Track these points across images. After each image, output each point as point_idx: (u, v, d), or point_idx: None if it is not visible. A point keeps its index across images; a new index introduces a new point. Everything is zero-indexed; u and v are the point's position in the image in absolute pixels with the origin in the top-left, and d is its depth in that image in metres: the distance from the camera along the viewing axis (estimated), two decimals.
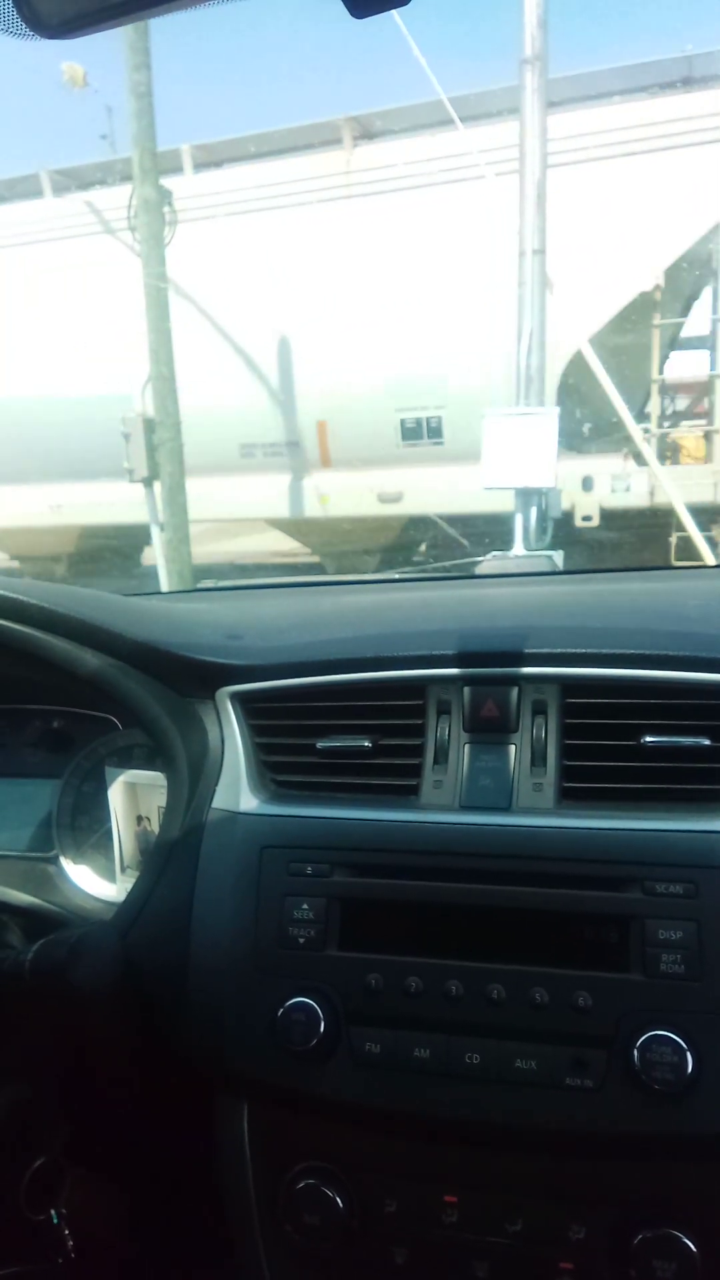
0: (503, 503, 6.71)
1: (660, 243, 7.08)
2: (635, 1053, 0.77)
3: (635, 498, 7.51)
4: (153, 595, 2.50)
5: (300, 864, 0.91)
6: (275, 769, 1.00)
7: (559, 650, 0.94)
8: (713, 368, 7.73)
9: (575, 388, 7.43)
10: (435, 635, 1.00)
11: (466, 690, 0.95)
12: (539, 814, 0.89)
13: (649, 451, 7.32)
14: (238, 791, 0.99)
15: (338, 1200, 0.89)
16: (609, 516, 7.62)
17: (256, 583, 6.61)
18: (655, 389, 7.63)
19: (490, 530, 7.52)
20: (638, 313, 7.33)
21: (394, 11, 0.48)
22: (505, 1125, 0.83)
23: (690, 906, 0.81)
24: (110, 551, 9.88)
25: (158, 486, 7.00)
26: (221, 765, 1.02)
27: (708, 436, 7.73)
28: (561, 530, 7.07)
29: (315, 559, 9.50)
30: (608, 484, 7.57)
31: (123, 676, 1.06)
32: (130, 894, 1.01)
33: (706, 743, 0.87)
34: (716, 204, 6.92)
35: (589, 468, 7.56)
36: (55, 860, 1.24)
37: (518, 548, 6.32)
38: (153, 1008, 0.95)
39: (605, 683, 0.92)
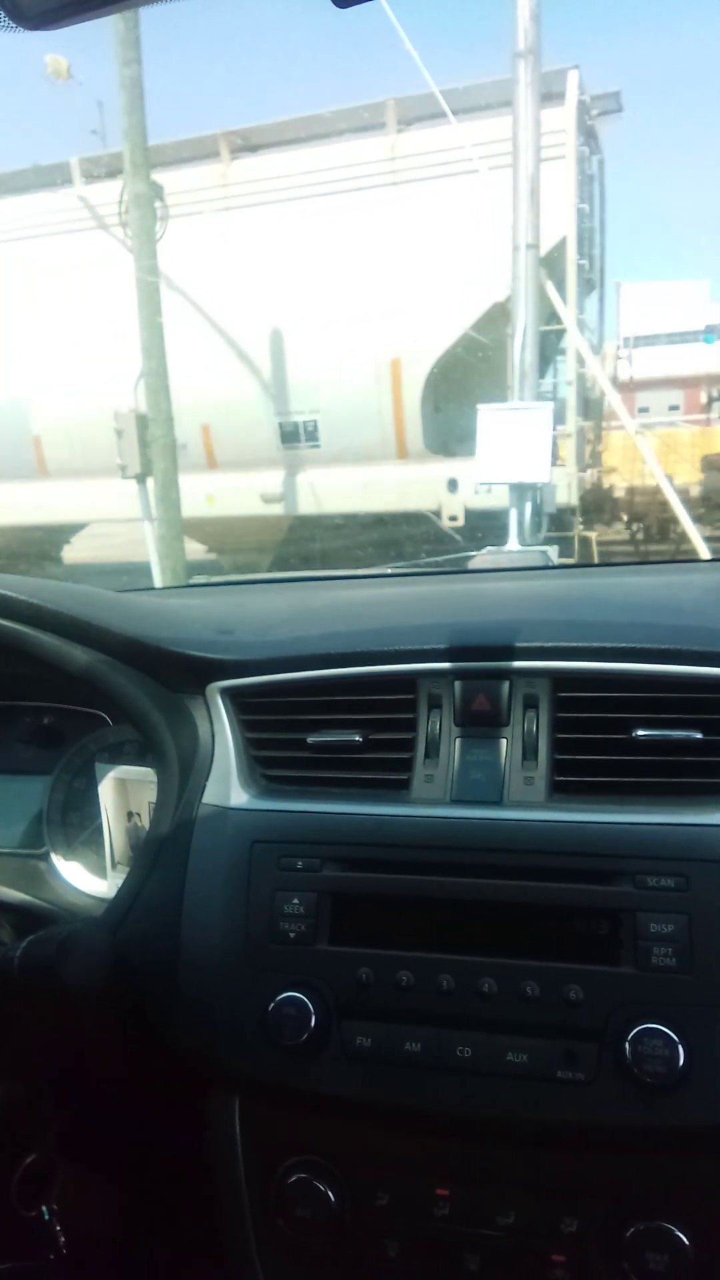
0: (378, 503, 6.88)
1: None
2: (626, 1046, 0.77)
3: (496, 499, 7.84)
4: (144, 591, 2.50)
5: (291, 859, 0.91)
6: (266, 764, 1.00)
7: (550, 644, 0.93)
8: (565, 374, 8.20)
9: (438, 395, 7.92)
10: (426, 630, 0.99)
11: (458, 684, 0.95)
12: (530, 808, 0.89)
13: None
14: (228, 786, 0.99)
15: (329, 1194, 0.89)
16: (473, 516, 8.04)
17: (248, 578, 6.62)
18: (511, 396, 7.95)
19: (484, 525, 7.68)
20: (493, 322, 7.70)
21: (383, 2, 0.48)
22: (497, 1118, 0.83)
23: (681, 899, 0.81)
24: (25, 552, 10.01)
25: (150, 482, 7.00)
26: (212, 760, 1.01)
27: (563, 441, 8.04)
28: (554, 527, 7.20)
29: (212, 557, 9.90)
30: (472, 486, 7.94)
31: (112, 672, 1.05)
32: (121, 890, 1.01)
33: (698, 736, 0.87)
34: (564, 217, 7.38)
35: (454, 470, 7.96)
36: (46, 856, 1.24)
37: (512, 542, 6.33)
38: (143, 1003, 0.95)
39: (597, 676, 0.92)
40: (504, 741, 0.93)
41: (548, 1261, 0.86)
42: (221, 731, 1.03)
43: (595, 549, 8.01)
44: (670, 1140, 0.81)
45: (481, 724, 0.94)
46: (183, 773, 1.02)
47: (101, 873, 1.21)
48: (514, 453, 6.00)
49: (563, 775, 0.90)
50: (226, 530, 9.17)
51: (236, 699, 1.03)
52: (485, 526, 7.89)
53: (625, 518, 8.93)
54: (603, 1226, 0.84)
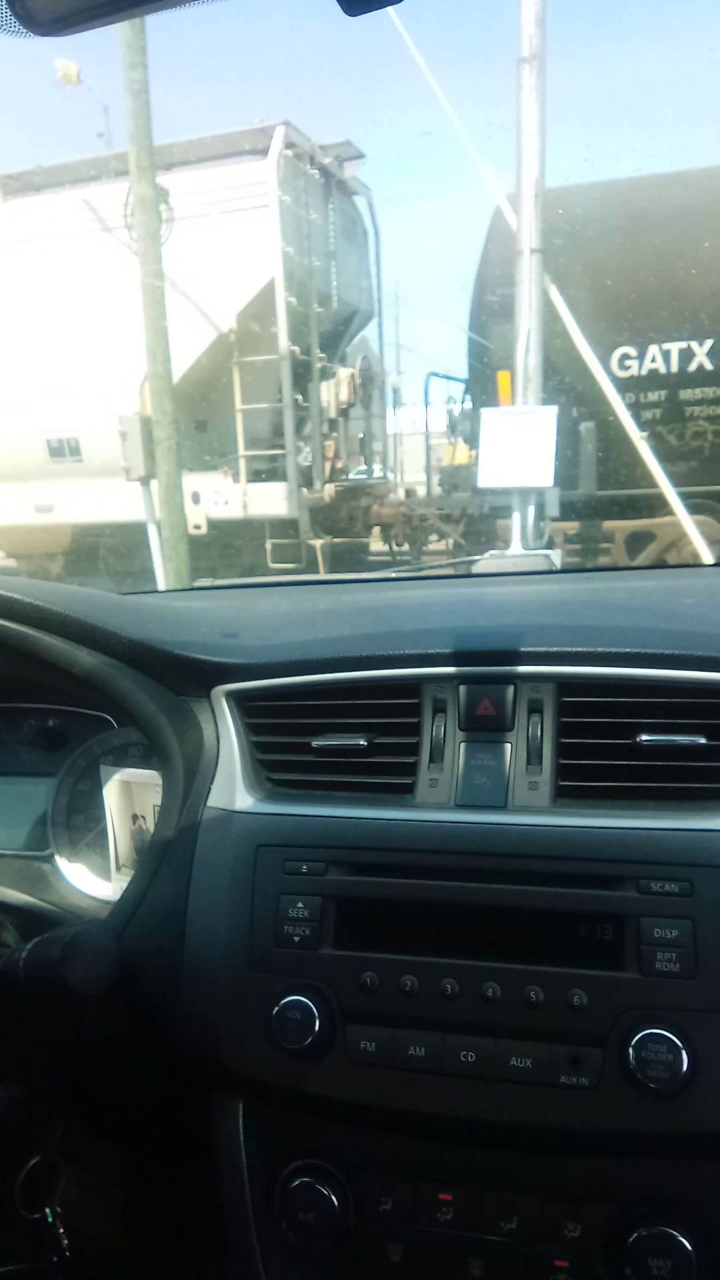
0: (135, 513, 7.60)
1: (232, 292, 8.43)
2: (630, 1051, 0.77)
3: (232, 510, 8.86)
4: (149, 593, 2.50)
5: (295, 862, 0.91)
6: (271, 767, 1.00)
7: (555, 649, 0.94)
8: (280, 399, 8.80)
9: (194, 416, 8.79)
10: (431, 634, 0.99)
11: (462, 689, 0.95)
12: (534, 813, 0.89)
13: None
14: (233, 790, 0.99)
15: (333, 1198, 0.89)
16: (214, 525, 8.90)
17: (253, 581, 6.63)
18: (240, 417, 8.75)
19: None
20: (221, 351, 8.60)
21: (390, 10, 0.48)
22: (501, 1123, 0.83)
23: (685, 905, 0.81)
24: None
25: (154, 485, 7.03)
26: (217, 764, 1.02)
27: (281, 459, 8.88)
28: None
29: (12, 563, 10.68)
30: (211, 498, 8.85)
31: (118, 675, 1.06)
32: (125, 892, 1.01)
33: (702, 741, 0.87)
34: (271, 260, 8.30)
35: (197, 484, 8.70)
36: (50, 859, 1.24)
37: (515, 546, 6.31)
38: (148, 1006, 0.95)
39: (601, 681, 0.92)
40: (508, 746, 0.93)
41: (551, 1267, 0.86)
42: (226, 735, 1.03)
43: (320, 555, 8.80)
44: (674, 1145, 0.81)
45: (486, 728, 0.94)
46: (188, 776, 1.02)
47: (106, 875, 1.21)
48: (517, 457, 5.99)
49: (567, 780, 0.90)
50: (15, 538, 9.99)
51: (242, 702, 1.03)
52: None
53: (378, 528, 9.78)
54: (606, 1232, 0.84)
